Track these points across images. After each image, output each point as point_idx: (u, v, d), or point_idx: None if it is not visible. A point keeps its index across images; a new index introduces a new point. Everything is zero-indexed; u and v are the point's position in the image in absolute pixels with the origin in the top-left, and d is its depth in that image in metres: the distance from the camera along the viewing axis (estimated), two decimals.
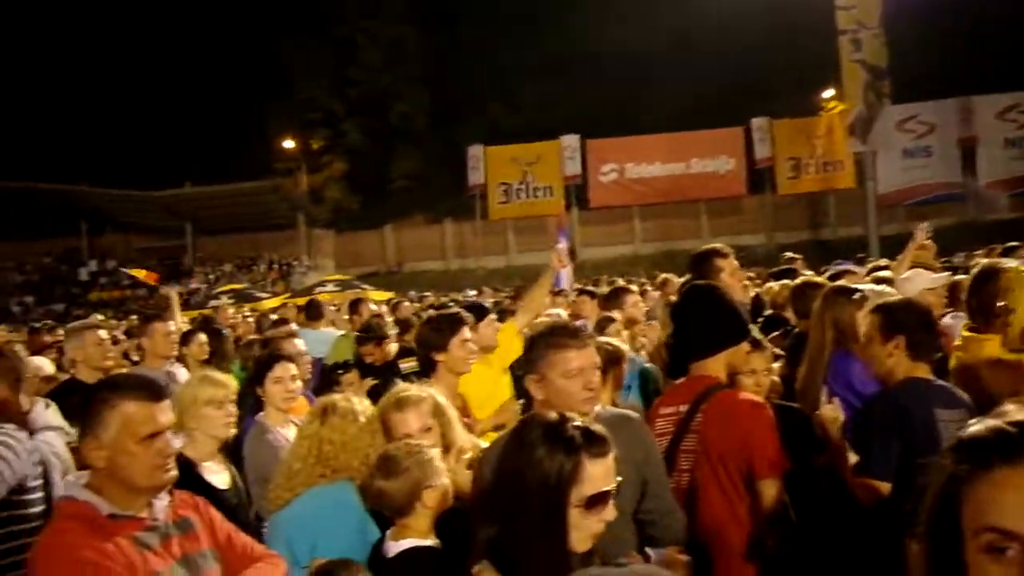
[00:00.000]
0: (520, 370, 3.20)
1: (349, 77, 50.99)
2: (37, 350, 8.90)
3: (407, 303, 13.39)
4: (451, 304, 9.09)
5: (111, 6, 53.16)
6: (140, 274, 11.61)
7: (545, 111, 44.96)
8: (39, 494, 3.20)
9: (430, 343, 4.65)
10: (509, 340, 5.36)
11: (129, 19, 53.96)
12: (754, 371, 4.04)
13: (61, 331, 14.59)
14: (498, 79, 47.88)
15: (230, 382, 4.04)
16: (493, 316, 5.39)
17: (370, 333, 6.32)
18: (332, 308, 12.50)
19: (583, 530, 2.17)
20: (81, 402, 2.60)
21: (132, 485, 2.48)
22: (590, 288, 9.46)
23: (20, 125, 49.33)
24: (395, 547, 2.98)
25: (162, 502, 2.56)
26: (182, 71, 52.25)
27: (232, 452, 4.85)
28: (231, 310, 13.01)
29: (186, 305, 11.89)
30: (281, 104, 50.15)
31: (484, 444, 3.80)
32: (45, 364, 6.68)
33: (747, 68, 42.72)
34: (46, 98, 51.96)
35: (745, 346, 3.72)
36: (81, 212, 41.13)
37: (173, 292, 9.24)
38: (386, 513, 3.08)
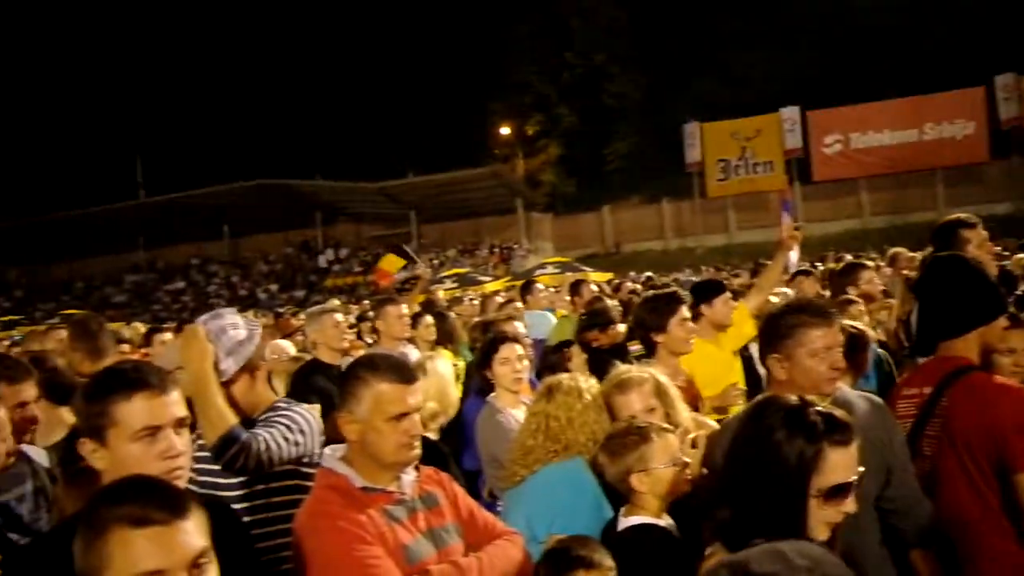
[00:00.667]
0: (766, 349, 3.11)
1: (564, 60, 51.26)
2: (286, 334, 9.56)
3: (629, 284, 13.34)
4: (671, 284, 8.97)
5: (335, 9, 55.94)
6: (390, 268, 12.14)
7: (763, 83, 43.45)
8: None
9: (649, 324, 4.60)
10: (741, 321, 5.22)
11: (352, 19, 56.65)
12: (1012, 350, 3.64)
13: (303, 315, 15.61)
14: (713, 52, 46.56)
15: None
16: (728, 294, 5.25)
17: (595, 319, 6.29)
18: (552, 290, 12.66)
19: (821, 520, 2.09)
20: (341, 378, 2.77)
21: (380, 460, 2.61)
22: (807, 267, 8.96)
23: (266, 127, 53.06)
24: (624, 523, 3.00)
25: (409, 477, 2.68)
26: (403, 68, 54.36)
27: (451, 432, 5.04)
28: (441, 293, 13.36)
29: (404, 291, 12.50)
30: (497, 92, 51.21)
31: (713, 423, 3.75)
32: (289, 346, 7.19)
33: (987, 19, 39.37)
34: (285, 101, 55.51)
35: (1002, 322, 3.39)
36: (316, 204, 43.74)
37: (427, 272, 9.48)
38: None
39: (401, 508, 2.63)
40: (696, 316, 4.91)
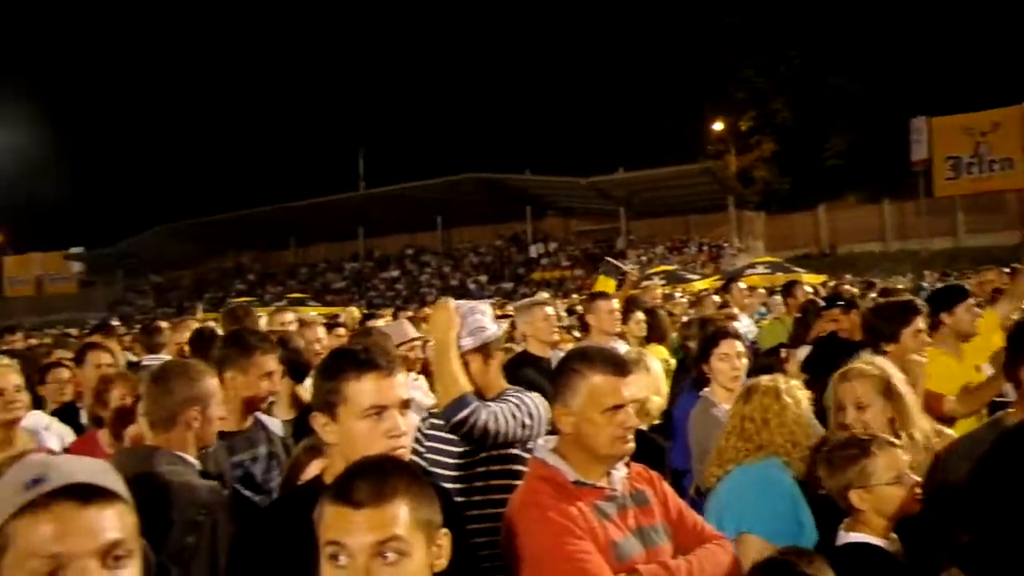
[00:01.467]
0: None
1: (783, 53, 49.54)
2: None
3: (846, 287, 12.74)
4: (899, 290, 8.46)
5: (549, 6, 56.55)
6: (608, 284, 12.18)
7: (1001, 72, 40.25)
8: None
9: (881, 332, 4.35)
10: (989, 330, 4.83)
11: (567, 16, 57.11)
12: None
13: (510, 307, 15.89)
14: (942, 40, 43.67)
15: None
16: (971, 300, 4.90)
17: (837, 300, 5.99)
18: (762, 291, 12.28)
19: None
20: (556, 371, 2.77)
21: (594, 453, 2.59)
22: None
23: (481, 123, 54.45)
24: (843, 538, 2.84)
25: (620, 473, 2.65)
26: (615, 64, 54.27)
27: (658, 431, 4.95)
28: (658, 290, 13.23)
29: (619, 286, 12.38)
30: (710, 86, 50.19)
31: (952, 433, 3.51)
32: None
33: None
34: (499, 97, 56.69)
35: None
36: (526, 198, 44.43)
37: (634, 271, 9.46)
38: None
39: (611, 504, 2.60)
40: (936, 325, 4.62)
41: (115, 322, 19.57)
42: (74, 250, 57.80)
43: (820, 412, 3.67)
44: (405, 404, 2.31)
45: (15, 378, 3.99)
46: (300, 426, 4.00)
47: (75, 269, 58.67)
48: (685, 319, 8.76)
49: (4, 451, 3.64)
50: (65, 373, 5.89)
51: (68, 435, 4.71)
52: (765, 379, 3.45)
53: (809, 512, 3.08)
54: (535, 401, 3.33)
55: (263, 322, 9.14)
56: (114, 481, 1.49)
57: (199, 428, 3.14)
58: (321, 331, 7.08)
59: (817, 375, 4.41)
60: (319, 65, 64.23)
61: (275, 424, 3.83)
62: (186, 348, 6.16)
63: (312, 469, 2.89)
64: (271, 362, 3.73)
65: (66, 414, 5.30)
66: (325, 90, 64.32)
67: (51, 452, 3.69)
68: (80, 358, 5.80)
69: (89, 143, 69.95)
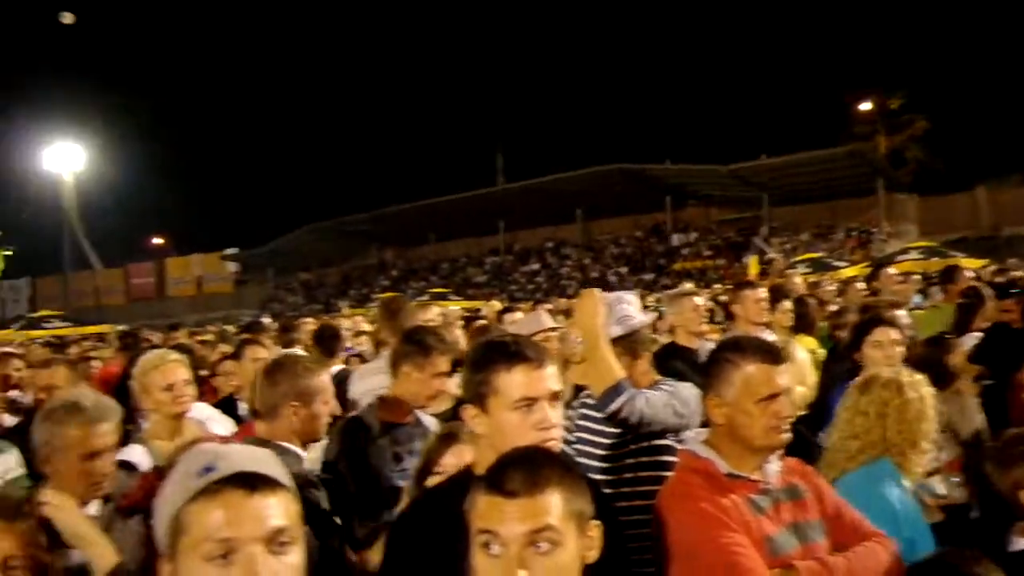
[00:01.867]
0: None
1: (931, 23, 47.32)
2: None
3: (1014, 272, 12.06)
4: None
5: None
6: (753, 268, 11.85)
7: None
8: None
9: None
10: None
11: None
12: None
13: (650, 298, 15.76)
14: None
15: None
16: None
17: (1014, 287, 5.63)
18: (917, 278, 11.75)
19: None
20: (707, 361, 2.73)
21: (749, 444, 2.53)
22: None
23: (617, 113, 54.11)
24: (1016, 543, 2.66)
25: (774, 466, 2.58)
26: (754, 45, 52.98)
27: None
28: (798, 279, 12.84)
29: (763, 276, 11.99)
30: (856, 63, 48.31)
31: None
32: None
33: None
34: (635, 87, 56.21)
35: None
36: (666, 188, 43.84)
37: (781, 259, 9.24)
38: None
39: (765, 498, 2.54)
40: None
41: (266, 319, 20.44)
42: (229, 251, 60.42)
43: (997, 406, 3.45)
44: (555, 396, 2.30)
45: (184, 372, 4.19)
46: (452, 419, 4.04)
47: (231, 269, 61.33)
48: (834, 308, 8.45)
49: (174, 440, 3.84)
50: (231, 366, 6.20)
51: (230, 426, 4.93)
52: (887, 371, 3.26)
53: (924, 525, 2.89)
54: (689, 391, 3.29)
55: (434, 313, 9.36)
56: (278, 470, 1.54)
57: (302, 421, 3.26)
58: (458, 329, 7.22)
59: (992, 367, 4.16)
60: (457, 65, 65.25)
61: (430, 421, 3.93)
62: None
63: (448, 458, 2.97)
64: (445, 362, 3.83)
65: (226, 406, 5.56)
66: (463, 89, 65.33)
67: (223, 439, 3.86)
68: (238, 353, 6.07)
69: (242, 150, 73.24)
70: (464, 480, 2.04)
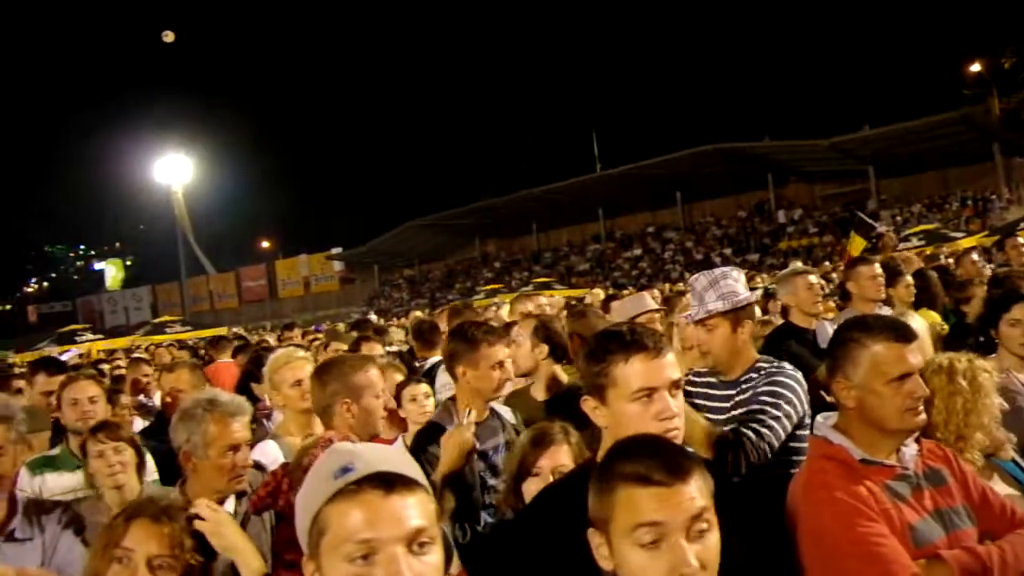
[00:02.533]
0: None
1: None
2: None
3: None
4: None
5: None
6: (856, 252, 11.43)
7: None
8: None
9: None
10: None
11: None
12: None
13: (758, 279, 15.40)
14: None
15: None
16: None
17: None
18: None
19: None
20: (832, 342, 2.61)
21: (882, 427, 2.42)
22: None
23: (712, 93, 53.15)
24: None
25: (911, 450, 2.45)
26: (844, 14, 51.30)
27: None
28: (910, 252, 12.38)
29: (874, 248, 11.61)
30: (962, 25, 46.23)
31: None
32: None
33: None
34: (731, 65, 55.12)
35: None
36: (767, 166, 42.86)
37: (892, 234, 8.91)
38: None
39: (904, 484, 2.41)
40: None
41: (372, 316, 20.79)
42: (335, 251, 61.73)
43: None
44: (675, 384, 2.25)
45: (311, 368, 4.28)
46: (554, 407, 4.08)
47: (337, 268, 62.66)
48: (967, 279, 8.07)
49: (304, 435, 3.91)
50: None
51: None
52: (941, 356, 3.02)
53: None
54: (790, 378, 3.18)
55: (504, 311, 9.39)
56: (414, 469, 1.56)
57: (355, 418, 3.27)
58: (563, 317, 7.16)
59: None
60: (548, 54, 65.08)
61: (507, 412, 3.90)
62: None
63: (544, 461, 2.91)
64: (499, 352, 3.74)
65: None
66: (555, 77, 65.11)
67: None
68: (355, 350, 6.15)
69: (343, 151, 74.71)
70: (584, 476, 1.97)
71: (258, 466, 3.45)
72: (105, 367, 11.85)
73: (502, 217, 51.12)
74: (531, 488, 2.86)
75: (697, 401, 3.36)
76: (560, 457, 2.90)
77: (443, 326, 6.81)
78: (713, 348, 3.34)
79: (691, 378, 3.49)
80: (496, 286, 35.31)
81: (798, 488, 2.50)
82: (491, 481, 3.49)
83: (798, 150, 41.01)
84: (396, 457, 1.58)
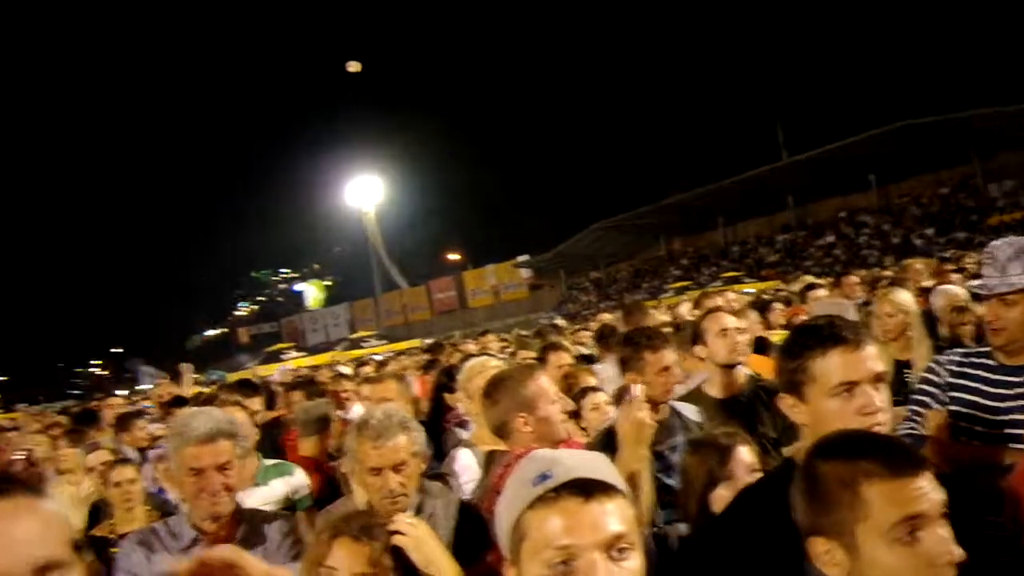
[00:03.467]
0: None
1: None
2: (939, 281, 8.66)
3: None
4: None
5: None
6: None
7: None
8: None
9: None
10: None
11: None
12: None
13: (968, 259, 14.30)
14: None
15: None
16: None
17: None
18: None
19: None
20: None
21: None
22: None
23: (895, 66, 50.38)
24: None
25: None
26: None
27: None
28: None
29: None
30: None
31: None
32: (960, 292, 6.38)
33: None
34: (914, 35, 52.10)
35: None
36: (969, 137, 40.04)
37: None
38: None
39: None
40: None
41: (559, 321, 20.78)
42: (521, 259, 62.69)
43: None
44: (878, 377, 2.08)
45: None
46: (728, 408, 4.04)
47: (524, 275, 63.57)
48: None
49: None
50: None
51: None
52: None
53: None
54: None
55: (684, 308, 9.11)
56: (612, 475, 1.55)
57: (535, 429, 3.21)
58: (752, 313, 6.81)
59: None
60: (725, 44, 63.57)
61: (690, 410, 3.90)
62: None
63: (734, 468, 2.81)
64: (665, 357, 3.76)
65: None
66: (734, 68, 63.49)
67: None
68: (543, 358, 6.06)
69: (522, 160, 75.82)
70: (785, 477, 1.83)
71: (449, 473, 3.57)
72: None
73: (687, 213, 50.34)
74: (722, 494, 2.76)
75: (969, 383, 3.04)
76: (752, 459, 2.87)
77: (620, 328, 6.63)
78: (1009, 326, 2.98)
79: (957, 359, 3.17)
80: (684, 283, 34.71)
81: None
82: (668, 481, 3.44)
83: (1006, 116, 37.98)
84: (596, 463, 1.56)
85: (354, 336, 54.23)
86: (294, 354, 46.61)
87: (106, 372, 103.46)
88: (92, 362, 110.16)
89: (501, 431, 3.28)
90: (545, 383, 3.34)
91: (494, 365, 4.38)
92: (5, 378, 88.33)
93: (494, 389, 3.33)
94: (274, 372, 19.54)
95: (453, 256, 75.44)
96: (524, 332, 19.69)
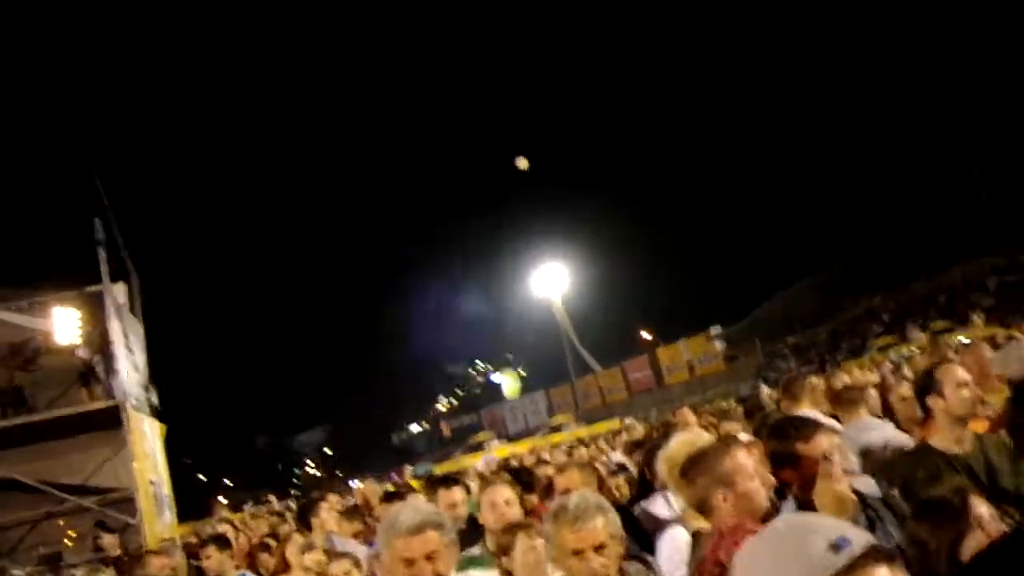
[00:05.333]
0: None
1: None
2: None
3: None
4: None
5: None
6: None
7: None
8: None
9: None
10: None
11: None
12: None
13: None
14: None
15: None
16: None
17: None
18: None
19: None
20: None
21: None
22: None
23: None
24: None
25: None
26: None
27: None
28: None
29: None
30: None
31: None
32: None
33: None
34: None
35: None
36: None
37: None
38: None
39: None
40: None
41: (765, 389, 20.14)
42: (713, 331, 61.59)
43: None
44: None
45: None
46: (961, 464, 3.90)
47: (718, 347, 62.31)
48: None
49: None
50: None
51: None
52: None
53: None
54: None
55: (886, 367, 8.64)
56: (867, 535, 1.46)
57: (736, 505, 3.15)
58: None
59: None
60: (917, 88, 61.07)
61: (864, 484, 3.71)
62: None
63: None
64: (819, 444, 3.50)
65: None
66: (926, 109, 60.74)
67: None
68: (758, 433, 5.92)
69: (709, 233, 75.11)
70: None
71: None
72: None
73: (887, 264, 48.15)
74: (972, 545, 2.67)
75: None
76: (990, 510, 2.77)
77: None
78: None
79: None
80: (888, 340, 33.02)
81: None
82: None
83: None
84: (851, 526, 1.48)
85: (554, 423, 54.62)
86: (496, 443, 47.40)
87: (320, 472, 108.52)
88: (307, 463, 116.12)
89: (701, 508, 3.26)
90: (743, 457, 3.30)
91: (704, 439, 4.30)
92: (230, 483, 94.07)
93: (690, 467, 3.33)
94: (478, 462, 19.98)
95: (644, 334, 74.92)
96: (724, 404, 19.24)
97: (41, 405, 14.45)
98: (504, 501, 5.08)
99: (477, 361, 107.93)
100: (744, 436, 5.60)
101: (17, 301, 14.80)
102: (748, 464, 3.27)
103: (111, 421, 13.93)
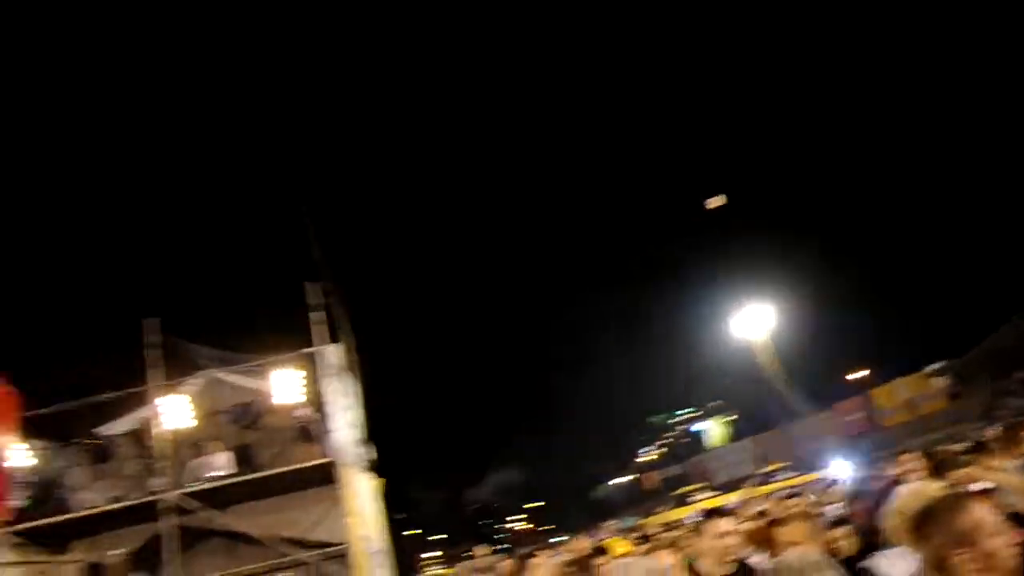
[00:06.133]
0: None
1: None
2: None
3: None
4: None
5: None
6: None
7: None
8: None
9: None
10: None
11: None
12: None
13: None
14: None
15: None
16: None
17: None
18: None
19: None
20: None
21: None
22: None
23: None
24: None
25: None
26: None
27: None
28: None
29: None
30: None
31: None
32: None
33: None
34: None
35: None
36: None
37: None
38: None
39: None
40: None
41: (990, 431, 18.54)
42: (932, 367, 58.11)
43: None
44: None
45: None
46: None
47: (940, 384, 58.70)
48: None
49: None
50: None
51: None
52: None
53: None
54: None
55: None
56: None
57: (979, 566, 2.90)
58: None
59: None
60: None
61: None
62: None
63: None
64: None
65: None
66: None
67: None
68: None
69: (917, 264, 71.24)
70: None
71: None
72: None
73: None
74: None
75: None
76: None
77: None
78: None
79: None
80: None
81: None
82: None
83: None
84: None
85: (764, 471, 52.76)
86: (704, 494, 46.23)
87: (528, 526, 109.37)
88: (513, 518, 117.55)
89: (939, 568, 3.00)
90: (981, 512, 3.05)
91: (933, 490, 4.05)
92: (443, 535, 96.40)
93: (922, 523, 3.10)
94: (687, 515, 19.46)
95: (856, 374, 71.45)
96: (949, 447, 17.81)
97: (264, 463, 15.22)
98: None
99: (677, 410, 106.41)
100: (978, 484, 5.15)
101: (243, 364, 15.71)
102: (990, 520, 3.01)
103: (326, 477, 14.44)
